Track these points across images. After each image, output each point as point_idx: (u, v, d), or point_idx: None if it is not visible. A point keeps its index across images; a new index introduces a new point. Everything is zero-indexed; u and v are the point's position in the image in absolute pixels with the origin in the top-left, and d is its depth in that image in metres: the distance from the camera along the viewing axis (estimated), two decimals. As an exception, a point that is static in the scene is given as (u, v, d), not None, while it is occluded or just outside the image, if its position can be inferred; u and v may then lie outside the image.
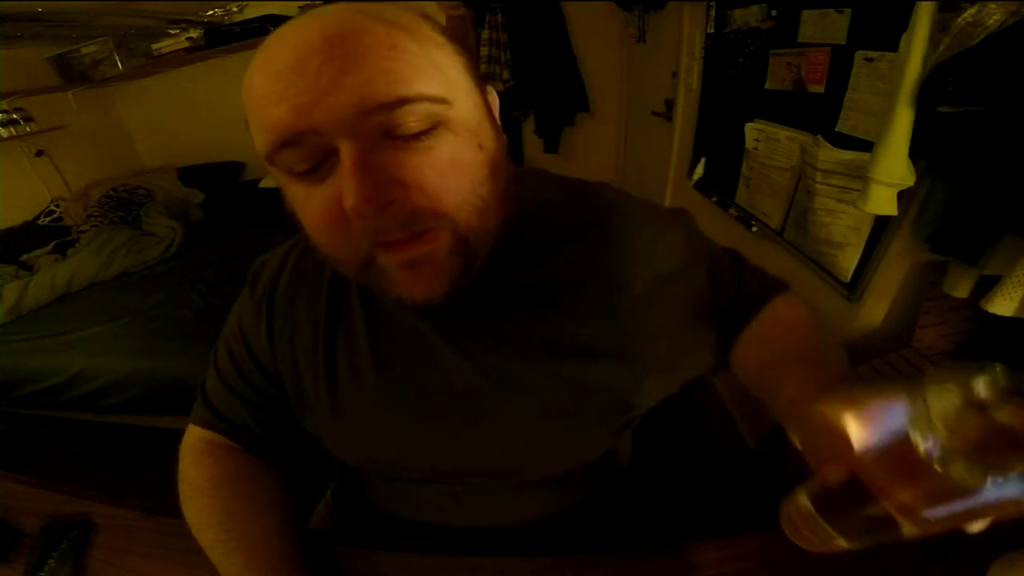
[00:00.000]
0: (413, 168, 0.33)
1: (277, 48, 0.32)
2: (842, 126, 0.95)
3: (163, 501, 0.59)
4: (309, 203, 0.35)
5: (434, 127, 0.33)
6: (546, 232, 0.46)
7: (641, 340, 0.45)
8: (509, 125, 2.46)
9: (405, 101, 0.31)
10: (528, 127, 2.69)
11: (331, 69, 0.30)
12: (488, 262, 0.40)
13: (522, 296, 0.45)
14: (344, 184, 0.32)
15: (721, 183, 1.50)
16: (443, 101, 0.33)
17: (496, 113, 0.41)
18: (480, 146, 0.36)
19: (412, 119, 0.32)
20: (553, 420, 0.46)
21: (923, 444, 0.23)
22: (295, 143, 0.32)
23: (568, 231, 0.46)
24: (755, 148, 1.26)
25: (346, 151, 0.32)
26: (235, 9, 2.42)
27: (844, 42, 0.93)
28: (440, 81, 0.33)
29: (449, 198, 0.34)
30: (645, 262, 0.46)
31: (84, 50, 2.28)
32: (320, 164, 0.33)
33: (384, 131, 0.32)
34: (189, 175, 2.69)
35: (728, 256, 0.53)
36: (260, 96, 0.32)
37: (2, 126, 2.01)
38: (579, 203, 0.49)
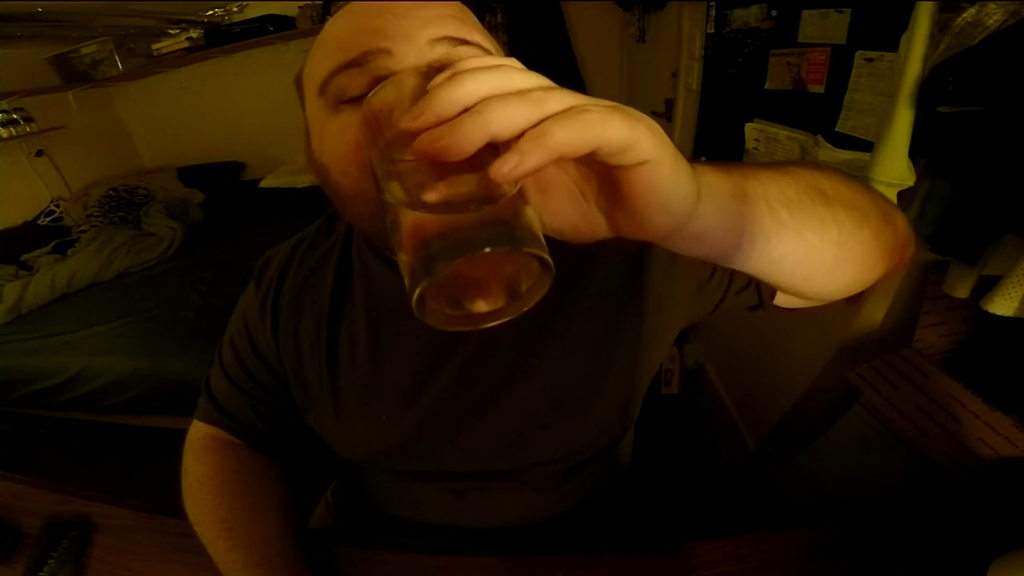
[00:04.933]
0: None
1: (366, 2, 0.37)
2: (842, 126, 0.95)
3: (163, 501, 0.59)
4: (349, 128, 0.35)
5: None
6: None
7: (648, 310, 0.45)
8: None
9: (466, 42, 0.36)
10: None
11: (413, 8, 0.35)
12: None
13: None
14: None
15: (721, 183, 1.50)
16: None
17: None
18: None
19: None
20: (556, 410, 0.46)
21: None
22: (359, 63, 0.34)
23: None
24: (755, 148, 1.26)
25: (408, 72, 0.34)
26: (235, 9, 2.43)
27: (844, 42, 0.93)
28: (492, 47, 0.38)
29: None
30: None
31: (84, 50, 2.29)
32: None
33: (440, 68, 0.34)
34: (189, 175, 2.68)
35: None
36: (341, 26, 0.36)
37: (2, 126, 2.01)
38: None
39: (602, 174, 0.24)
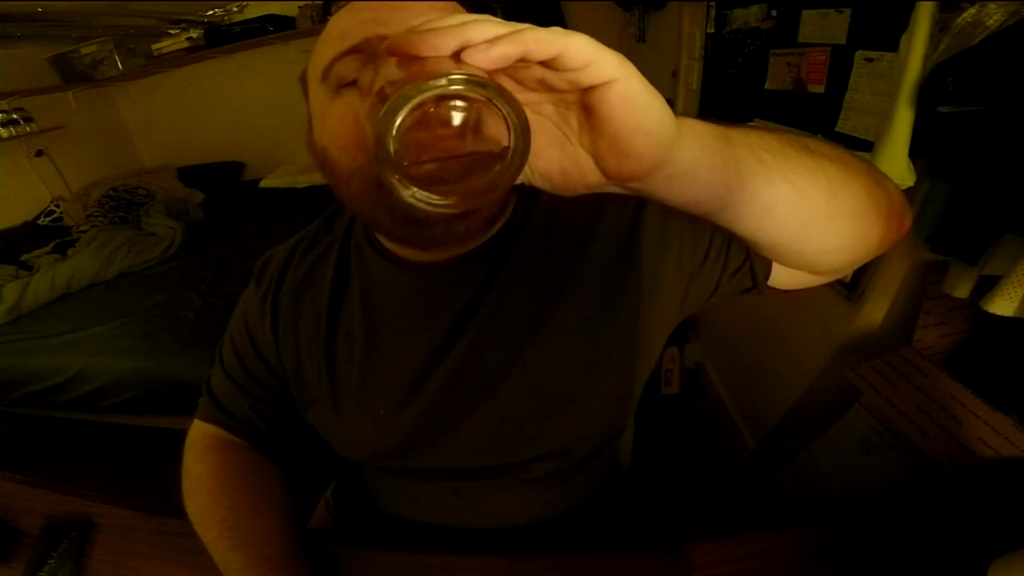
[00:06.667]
0: None
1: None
2: (842, 126, 0.95)
3: (163, 501, 0.59)
4: (349, 111, 0.37)
5: None
6: (556, 215, 0.46)
7: (645, 302, 0.45)
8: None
9: None
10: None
11: (410, 5, 0.37)
12: (495, 241, 0.43)
13: (523, 277, 0.45)
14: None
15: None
16: None
17: None
18: None
19: None
20: (554, 401, 0.46)
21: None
22: (358, 50, 0.36)
23: (575, 214, 0.46)
24: (755, 148, 1.26)
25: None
26: (235, 9, 2.43)
27: (844, 42, 0.93)
28: None
29: None
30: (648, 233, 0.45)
31: (84, 50, 2.28)
32: None
33: None
34: (189, 175, 2.68)
35: None
36: (342, 19, 0.38)
37: (2, 126, 2.01)
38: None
39: (580, 110, 0.25)
